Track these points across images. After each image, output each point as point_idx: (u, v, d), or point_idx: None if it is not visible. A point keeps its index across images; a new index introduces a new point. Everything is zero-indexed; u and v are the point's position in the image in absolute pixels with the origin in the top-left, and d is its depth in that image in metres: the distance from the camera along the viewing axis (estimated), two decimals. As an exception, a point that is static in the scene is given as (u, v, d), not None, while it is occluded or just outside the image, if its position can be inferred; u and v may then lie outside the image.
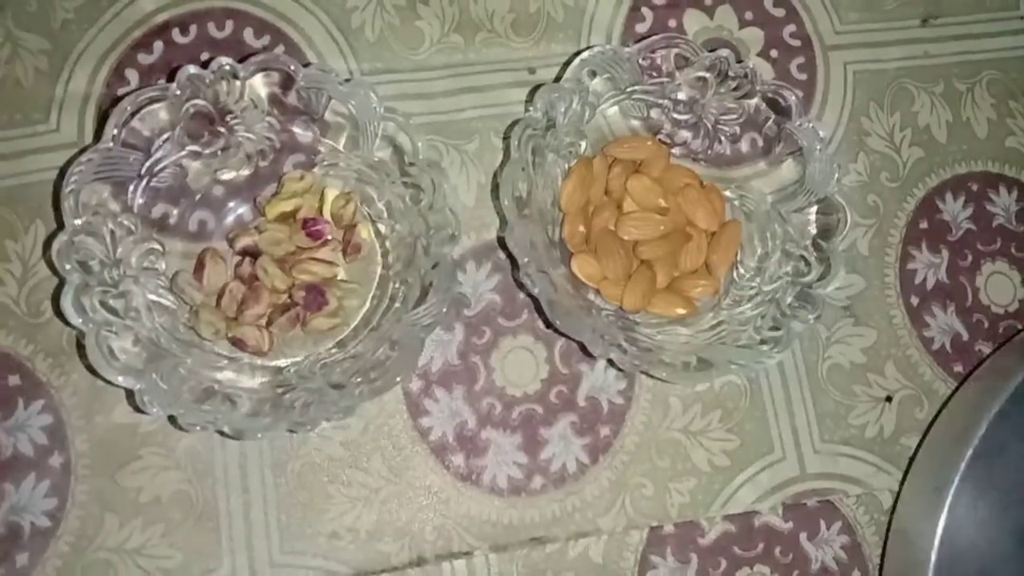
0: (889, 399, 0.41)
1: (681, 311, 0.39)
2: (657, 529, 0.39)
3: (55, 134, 0.39)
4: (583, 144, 0.40)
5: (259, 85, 0.36)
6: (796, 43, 0.45)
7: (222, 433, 0.33)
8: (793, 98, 0.38)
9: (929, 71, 0.46)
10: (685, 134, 0.41)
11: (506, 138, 0.38)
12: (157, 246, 0.36)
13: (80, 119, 0.39)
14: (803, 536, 0.40)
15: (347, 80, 0.36)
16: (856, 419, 0.41)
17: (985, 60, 0.46)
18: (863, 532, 0.40)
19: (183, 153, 0.36)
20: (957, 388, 0.41)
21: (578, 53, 0.38)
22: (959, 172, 0.45)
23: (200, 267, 0.37)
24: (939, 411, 0.41)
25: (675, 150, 0.41)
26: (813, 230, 0.38)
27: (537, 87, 0.39)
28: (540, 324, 0.40)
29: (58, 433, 0.37)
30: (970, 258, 0.44)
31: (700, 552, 0.39)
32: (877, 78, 0.45)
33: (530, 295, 0.36)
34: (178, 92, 0.34)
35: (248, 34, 0.41)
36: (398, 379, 0.34)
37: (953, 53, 0.46)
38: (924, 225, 0.44)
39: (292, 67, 0.35)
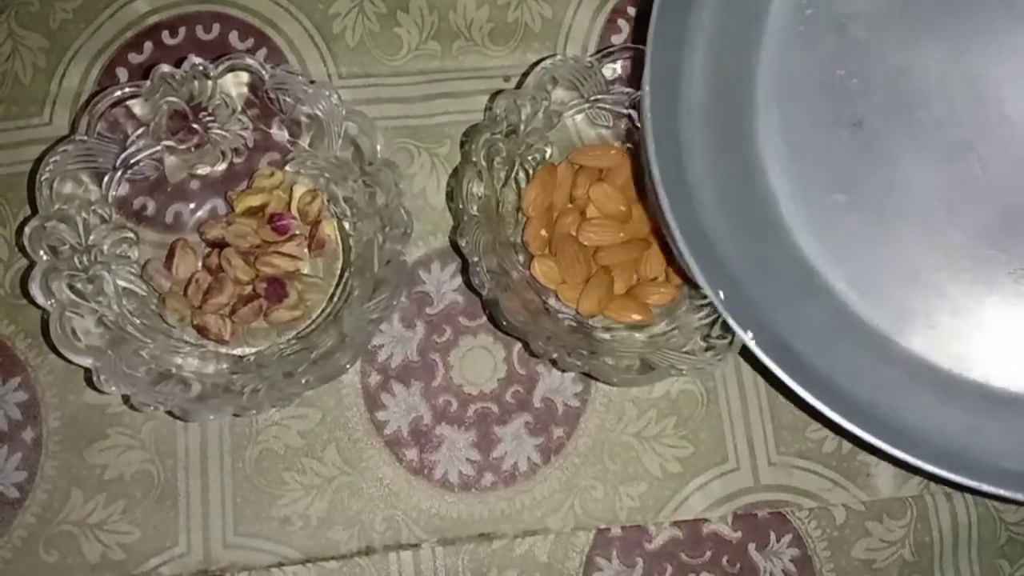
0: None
1: (637, 317, 0.40)
2: (604, 531, 0.40)
3: (48, 127, 0.41)
4: (549, 150, 0.41)
5: (230, 85, 0.37)
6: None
7: (171, 414, 0.34)
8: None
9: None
10: (652, 144, 0.42)
11: (464, 143, 0.39)
12: (131, 235, 0.38)
13: (71, 114, 0.42)
14: (752, 546, 0.40)
15: (312, 82, 0.37)
16: (814, 433, 0.41)
17: None
18: (814, 546, 0.40)
19: (158, 148, 0.38)
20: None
21: (540, 61, 0.39)
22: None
23: (171, 257, 0.39)
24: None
25: (642, 159, 0.42)
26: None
27: (499, 92, 0.40)
28: (500, 325, 0.41)
29: (32, 409, 0.39)
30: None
31: (646, 556, 0.39)
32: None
33: (479, 295, 0.37)
34: (151, 89, 0.36)
35: (233, 37, 0.43)
36: (347, 366, 0.35)
37: None
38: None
39: (260, 68, 0.37)
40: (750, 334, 0.33)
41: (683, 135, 0.34)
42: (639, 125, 0.35)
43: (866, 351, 0.36)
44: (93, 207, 0.37)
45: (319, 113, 0.37)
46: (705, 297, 0.39)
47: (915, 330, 0.36)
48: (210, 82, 0.37)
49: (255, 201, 0.39)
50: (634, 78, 0.39)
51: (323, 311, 0.39)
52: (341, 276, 0.40)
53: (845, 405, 0.33)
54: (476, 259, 0.36)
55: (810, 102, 0.37)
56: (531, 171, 0.41)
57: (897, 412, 0.33)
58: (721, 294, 0.33)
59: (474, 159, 0.37)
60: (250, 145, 0.40)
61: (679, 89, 0.35)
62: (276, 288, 0.38)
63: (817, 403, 0.33)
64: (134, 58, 0.42)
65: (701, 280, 0.33)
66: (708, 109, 0.36)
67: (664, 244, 0.39)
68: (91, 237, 0.36)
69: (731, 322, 0.33)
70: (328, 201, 0.40)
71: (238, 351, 0.39)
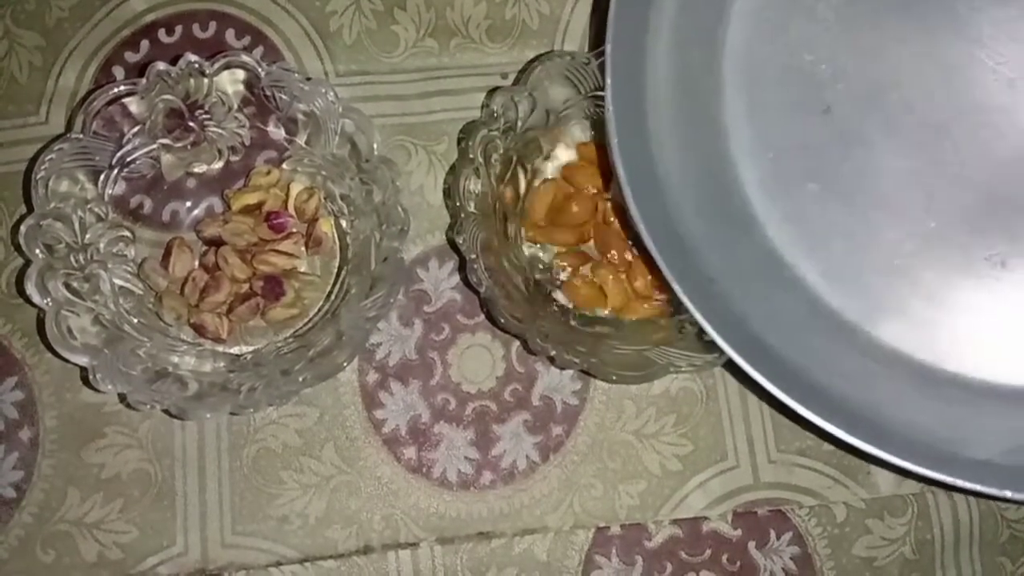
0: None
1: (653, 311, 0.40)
2: (604, 530, 0.39)
3: (44, 126, 0.41)
4: (547, 147, 0.41)
5: (227, 82, 0.37)
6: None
7: (168, 412, 0.34)
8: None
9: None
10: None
11: (461, 140, 0.39)
12: (127, 233, 0.38)
13: (67, 112, 0.41)
14: (752, 544, 0.40)
15: (308, 80, 0.37)
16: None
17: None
18: (814, 544, 0.40)
19: (154, 146, 0.38)
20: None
21: (538, 58, 0.38)
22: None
23: (167, 255, 0.39)
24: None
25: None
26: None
27: (496, 89, 0.39)
28: (498, 323, 0.41)
29: (29, 409, 0.39)
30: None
31: (646, 555, 0.39)
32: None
33: (477, 292, 0.37)
34: (147, 87, 0.36)
35: (230, 35, 0.43)
36: (345, 364, 0.35)
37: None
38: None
39: (256, 65, 0.36)
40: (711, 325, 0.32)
41: (650, 128, 0.34)
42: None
43: (841, 343, 0.35)
44: (89, 205, 0.37)
45: (316, 111, 0.37)
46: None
47: (890, 320, 0.36)
48: (206, 80, 0.37)
49: (252, 199, 0.39)
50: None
51: (320, 309, 0.39)
52: (338, 274, 0.39)
53: (819, 401, 0.32)
54: (474, 256, 0.36)
55: (778, 89, 0.36)
56: (529, 168, 0.40)
57: (873, 406, 0.32)
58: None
59: (471, 156, 0.37)
60: (247, 143, 0.40)
61: (644, 80, 0.34)
62: (273, 286, 0.38)
63: (790, 401, 0.32)
64: (130, 56, 0.42)
65: (667, 273, 0.32)
66: (675, 100, 0.35)
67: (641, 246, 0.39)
68: (87, 235, 0.36)
69: (700, 319, 0.32)
70: (325, 199, 0.40)
71: (235, 349, 0.39)
